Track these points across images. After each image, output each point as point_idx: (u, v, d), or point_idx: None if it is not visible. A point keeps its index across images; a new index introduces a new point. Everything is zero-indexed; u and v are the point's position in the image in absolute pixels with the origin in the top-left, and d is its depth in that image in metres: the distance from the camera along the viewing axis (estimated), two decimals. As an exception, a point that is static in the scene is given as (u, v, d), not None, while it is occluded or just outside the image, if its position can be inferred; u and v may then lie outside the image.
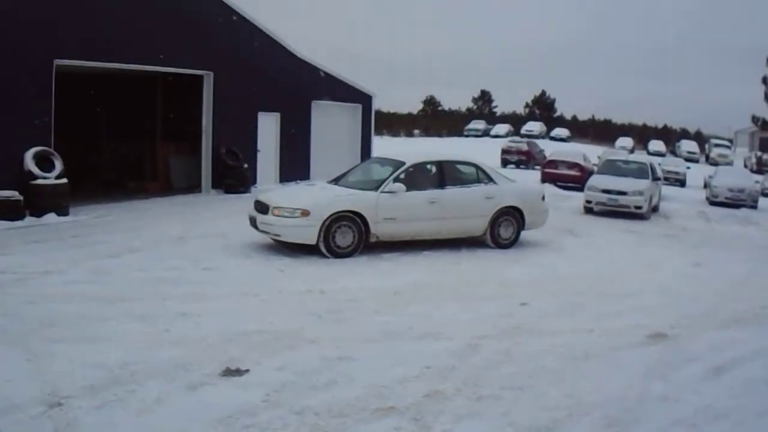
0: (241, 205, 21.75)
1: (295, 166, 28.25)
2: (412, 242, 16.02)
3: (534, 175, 37.85)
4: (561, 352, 9.46)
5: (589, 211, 25.63)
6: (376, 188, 15.78)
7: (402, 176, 16.07)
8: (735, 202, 35.14)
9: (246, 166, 25.08)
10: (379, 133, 62.63)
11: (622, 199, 24.99)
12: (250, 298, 11.32)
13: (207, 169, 24.59)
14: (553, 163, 37.73)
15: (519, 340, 9.88)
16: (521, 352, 9.33)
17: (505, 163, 48.42)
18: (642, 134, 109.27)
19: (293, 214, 14.83)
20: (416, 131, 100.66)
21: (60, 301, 10.56)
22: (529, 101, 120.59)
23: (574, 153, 41.67)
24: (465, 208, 16.64)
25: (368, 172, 17.50)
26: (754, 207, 35.10)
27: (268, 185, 26.02)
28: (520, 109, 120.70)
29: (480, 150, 46.59)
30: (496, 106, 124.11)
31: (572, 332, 10.45)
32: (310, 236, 14.85)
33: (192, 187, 24.64)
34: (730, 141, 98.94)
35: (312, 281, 12.51)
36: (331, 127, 31.00)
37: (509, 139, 65.50)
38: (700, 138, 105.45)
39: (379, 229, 15.48)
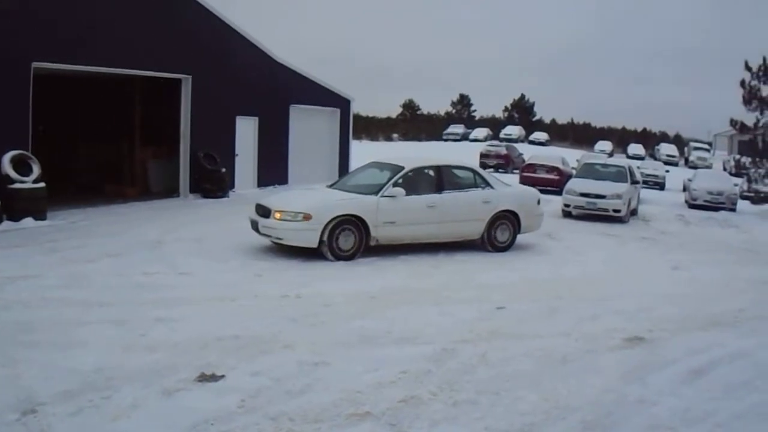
0: (220, 209, 21.87)
1: (273, 170, 28.32)
2: (389, 247, 16.07)
3: (513, 179, 38.03)
4: (538, 356, 9.46)
5: (567, 214, 25.73)
6: (376, 192, 16.02)
7: (401, 181, 16.34)
8: (714, 205, 35.31)
9: (224, 170, 25.08)
10: (357, 137, 62.68)
11: (600, 203, 25.07)
12: (227, 302, 11.27)
13: (185, 173, 24.55)
14: (532, 167, 37.82)
15: (496, 344, 9.86)
16: (498, 357, 9.31)
17: (483, 167, 47.87)
18: (621, 138, 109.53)
19: (295, 217, 15.07)
20: (395, 135, 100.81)
21: (36, 306, 10.53)
22: (508, 105, 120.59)
23: (552, 157, 41.72)
24: (463, 212, 16.93)
25: (367, 176, 17.60)
26: (733, 210, 35.27)
27: (246, 189, 26.12)
28: (499, 113, 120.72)
29: (459, 154, 46.59)
30: (475, 110, 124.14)
31: (550, 336, 10.46)
32: (311, 240, 15.09)
33: (170, 191, 24.59)
34: (710, 144, 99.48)
35: (289, 286, 12.49)
36: (310, 131, 31.10)
37: (488, 143, 65.84)
38: (679, 141, 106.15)
39: (379, 233, 15.77)
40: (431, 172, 17.26)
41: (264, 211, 15.58)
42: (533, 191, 19.22)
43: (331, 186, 17.66)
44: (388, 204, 15.86)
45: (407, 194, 16.14)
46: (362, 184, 16.89)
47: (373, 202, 15.81)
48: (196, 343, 9.10)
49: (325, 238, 15.08)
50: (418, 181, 16.82)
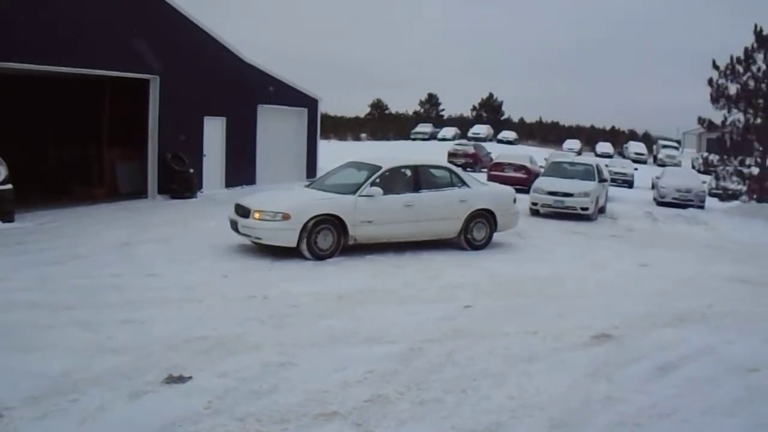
0: (188, 210, 21.80)
1: (241, 170, 28.33)
2: (356, 247, 16.11)
3: (481, 178, 38.15)
4: (504, 355, 9.49)
5: (535, 213, 25.88)
6: (354, 192, 16.22)
7: (378, 180, 16.54)
8: (682, 202, 35.61)
9: (192, 170, 25.01)
10: (326, 137, 62.66)
11: (568, 201, 25.20)
12: (194, 304, 11.25)
13: (153, 174, 24.45)
14: (500, 166, 37.87)
15: (462, 343, 9.90)
16: (465, 355, 9.36)
17: (451, 167, 48.44)
18: (590, 136, 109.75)
19: (274, 217, 15.25)
20: (363, 135, 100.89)
21: (2, 309, 10.46)
22: (476, 104, 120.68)
23: (520, 155, 41.88)
24: (439, 211, 17.17)
25: (345, 176, 17.73)
26: (701, 207, 35.54)
27: (214, 190, 26.07)
28: (468, 112, 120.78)
29: (427, 153, 46.72)
30: (443, 110, 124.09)
31: (516, 334, 10.50)
32: (290, 239, 15.26)
33: (139, 192, 24.50)
34: (678, 142, 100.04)
35: (256, 287, 12.48)
36: (277, 131, 31.14)
37: (456, 142, 65.87)
38: (648, 139, 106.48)
39: (357, 232, 15.96)
40: (408, 172, 17.48)
41: (243, 211, 15.72)
42: (509, 190, 19.41)
43: (309, 186, 17.92)
44: (366, 203, 16.06)
45: (385, 194, 16.33)
46: (340, 184, 17.07)
47: (350, 201, 16.00)
48: (163, 344, 9.09)
49: (303, 237, 15.24)
50: (395, 181, 17.03)
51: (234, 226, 15.88)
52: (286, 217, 15.21)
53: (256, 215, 15.37)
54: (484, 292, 13.27)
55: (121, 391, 7.50)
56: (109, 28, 21.94)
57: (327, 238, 15.55)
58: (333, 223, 15.63)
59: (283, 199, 16.44)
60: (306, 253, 15.32)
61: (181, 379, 7.92)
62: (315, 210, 15.51)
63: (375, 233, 16.34)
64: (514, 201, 18.91)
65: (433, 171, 18.26)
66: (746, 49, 36.07)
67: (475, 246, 17.70)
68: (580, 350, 9.99)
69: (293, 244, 15.28)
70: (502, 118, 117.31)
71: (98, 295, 11.48)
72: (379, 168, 16.94)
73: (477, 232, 17.79)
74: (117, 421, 6.89)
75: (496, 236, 18.31)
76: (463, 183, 17.93)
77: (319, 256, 15.41)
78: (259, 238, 15.54)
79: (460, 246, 17.64)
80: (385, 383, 8.14)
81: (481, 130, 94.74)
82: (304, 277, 13.71)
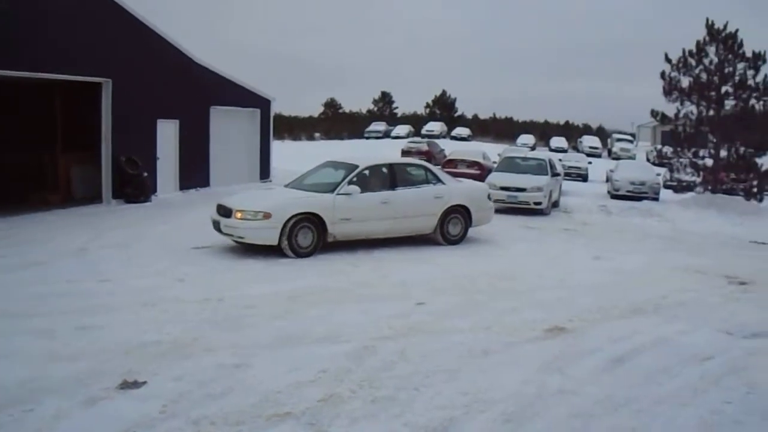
0: (143, 214, 21.71)
1: (194, 172, 28.20)
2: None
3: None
4: (458, 351, 9.59)
5: (488, 208, 25.95)
6: (332, 191, 16.72)
7: (355, 179, 17.08)
8: (636, 194, 35.96)
9: (146, 174, 24.84)
10: (280, 137, 62.56)
11: (521, 196, 25.40)
12: (149, 308, 11.22)
13: (107, 178, 24.19)
14: (452, 162, 37.86)
15: (415, 340, 9.99)
16: (418, 352, 9.43)
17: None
18: (544, 131, 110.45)
19: (255, 216, 15.70)
20: (317, 134, 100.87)
21: (-44, 319, 10.36)
22: (430, 101, 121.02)
23: (473, 151, 42.12)
24: (415, 207, 17.76)
25: (323, 175, 18.23)
26: (655, 199, 35.92)
27: (168, 194, 25.96)
28: (421, 110, 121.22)
29: (381, 151, 46.74)
30: (396, 108, 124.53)
31: (470, 330, 10.59)
32: (271, 237, 15.72)
33: (94, 197, 24.24)
34: (633, 135, 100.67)
35: (211, 290, 12.50)
36: (230, 132, 31.11)
37: (409, 140, 66.33)
38: (602, 133, 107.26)
39: (336, 230, 16.46)
40: (384, 170, 18.06)
41: (225, 212, 16.16)
42: (483, 186, 20.40)
43: (288, 185, 18.16)
44: (344, 201, 16.54)
45: (362, 192, 16.84)
46: (318, 183, 17.59)
47: (329, 199, 16.48)
48: (119, 350, 9.09)
49: (285, 235, 15.70)
50: (372, 179, 17.60)
51: (216, 226, 16.32)
52: (267, 216, 15.65)
53: (238, 215, 15.80)
54: (438, 288, 13.36)
55: (76, 398, 7.50)
56: (59, 32, 21.69)
57: (307, 236, 16.01)
58: (312, 221, 16.09)
59: (264, 198, 16.87)
60: (287, 251, 15.76)
61: (136, 384, 7.93)
62: (295, 209, 15.97)
63: (353, 230, 16.83)
64: (489, 197, 19.70)
65: (409, 169, 18.97)
66: (698, 43, 36.43)
67: (450, 241, 18.28)
68: (534, 344, 10.08)
69: (275, 242, 15.72)
70: (456, 114, 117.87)
71: (54, 302, 11.40)
72: (356, 167, 17.45)
73: (452, 227, 18.41)
74: (72, 429, 6.89)
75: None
76: (438, 180, 18.56)
77: (300, 253, 15.85)
78: (241, 237, 15.94)
79: (437, 241, 18.23)
80: (338, 382, 8.20)
81: (435, 127, 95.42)
82: (260, 279, 13.74)
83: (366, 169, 17.63)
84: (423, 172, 18.73)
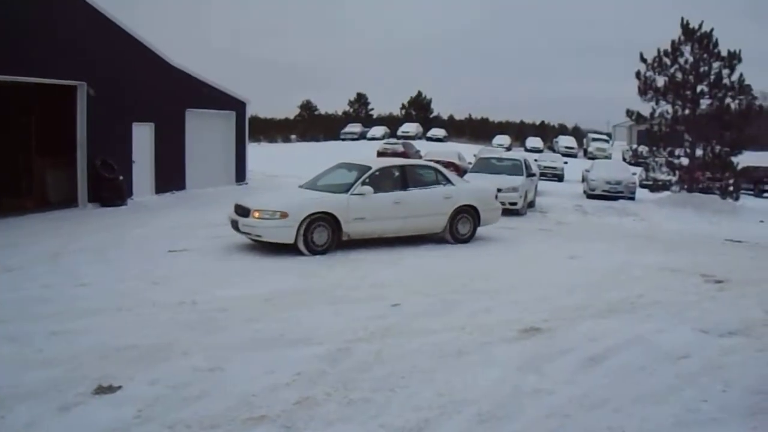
0: (118, 218, 21.64)
1: (170, 175, 28.24)
2: (285, 249, 16.33)
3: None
4: (433, 351, 9.57)
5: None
6: (347, 191, 17.44)
7: (368, 180, 17.75)
8: (612, 194, 36.21)
9: (122, 178, 24.79)
10: (256, 139, 62.47)
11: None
12: (124, 312, 11.17)
13: (83, 182, 24.21)
14: (427, 163, 38.00)
15: (390, 341, 9.98)
16: (392, 354, 9.42)
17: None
18: (520, 131, 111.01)
19: (273, 216, 16.36)
20: (293, 136, 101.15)
21: (-72, 326, 10.28)
22: (405, 103, 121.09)
23: (448, 152, 42.42)
24: (426, 207, 18.44)
25: (337, 176, 18.89)
26: (631, 198, 36.17)
27: (144, 197, 25.91)
28: (397, 111, 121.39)
29: (356, 153, 46.70)
30: (372, 109, 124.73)
31: (444, 331, 10.57)
32: (288, 236, 16.37)
33: (70, 201, 24.19)
34: (609, 135, 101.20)
35: (186, 293, 12.43)
36: (206, 135, 31.07)
37: (385, 141, 66.41)
38: (578, 133, 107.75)
39: (350, 228, 17.14)
40: (396, 171, 18.71)
41: (243, 211, 16.76)
42: (491, 188, 20.86)
43: (302, 186, 18.89)
44: (358, 201, 17.24)
45: (375, 192, 17.53)
46: (332, 184, 18.22)
47: (344, 199, 17.19)
48: (93, 355, 9.03)
49: (300, 234, 16.35)
50: (384, 180, 18.21)
51: (235, 225, 16.94)
52: (284, 215, 16.30)
53: (256, 214, 16.44)
54: (413, 289, 13.36)
55: (50, 404, 7.43)
56: (34, 34, 21.63)
57: (322, 235, 16.68)
58: (327, 220, 16.74)
59: (281, 198, 17.64)
60: (303, 248, 16.42)
61: (111, 389, 7.88)
62: (311, 208, 16.65)
63: (367, 229, 17.50)
64: (496, 197, 20.41)
65: (420, 170, 19.68)
66: (673, 42, 36.69)
67: (460, 240, 18.97)
68: (509, 344, 10.06)
69: (291, 240, 16.35)
70: (432, 116, 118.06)
71: (28, 308, 11.33)
72: (369, 168, 18.21)
73: (461, 226, 19.12)
74: (46, 435, 6.84)
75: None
76: (448, 181, 19.26)
77: (315, 251, 16.51)
78: (259, 236, 16.55)
79: (446, 240, 18.88)
80: (313, 385, 8.18)
81: (411, 128, 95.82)
82: (234, 282, 13.69)
83: (378, 170, 18.28)
84: (433, 174, 19.40)
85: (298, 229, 16.30)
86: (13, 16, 21.01)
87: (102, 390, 7.87)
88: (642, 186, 39.59)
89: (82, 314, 11.00)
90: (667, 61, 36.82)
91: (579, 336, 10.52)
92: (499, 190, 25.17)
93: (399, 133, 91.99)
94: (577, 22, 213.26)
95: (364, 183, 17.56)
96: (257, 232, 16.49)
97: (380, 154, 51.15)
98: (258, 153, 40.41)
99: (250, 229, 16.54)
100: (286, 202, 16.96)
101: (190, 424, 7.07)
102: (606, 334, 10.64)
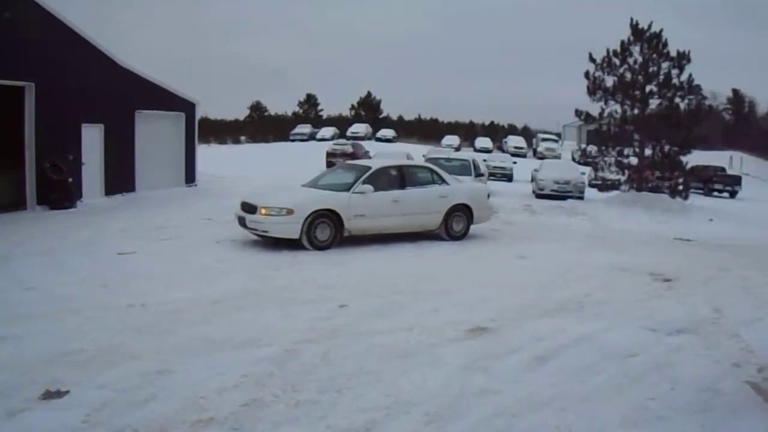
0: (67, 220, 21.43)
1: (120, 177, 28.00)
2: (235, 252, 16.59)
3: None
4: (380, 353, 9.62)
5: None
6: (348, 189, 18.43)
7: (368, 179, 18.72)
8: (561, 193, 36.43)
9: (71, 179, 24.57)
10: (206, 140, 62.24)
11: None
12: (73, 316, 11.07)
13: (31, 184, 23.90)
14: (376, 164, 38.08)
15: (338, 342, 10.02)
16: (340, 355, 9.46)
17: (330, 165, 48.63)
18: (469, 132, 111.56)
19: (279, 212, 17.26)
20: (243, 138, 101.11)
21: None
22: (355, 103, 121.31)
23: (397, 153, 42.56)
24: (423, 205, 19.50)
25: (338, 176, 20.06)
26: (580, 198, 36.41)
27: (93, 199, 25.68)
28: (346, 112, 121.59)
29: (306, 153, 46.71)
30: (322, 110, 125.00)
31: (391, 332, 10.62)
32: (293, 232, 17.34)
33: (17, 203, 23.90)
34: (558, 135, 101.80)
35: (134, 295, 12.39)
36: (155, 136, 30.90)
37: (334, 141, 66.39)
38: (527, 133, 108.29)
39: (351, 225, 18.14)
40: (394, 171, 19.84)
41: (250, 208, 17.69)
42: (484, 187, 22.63)
43: (305, 185, 19.82)
44: (359, 199, 18.25)
45: (375, 191, 18.51)
46: (334, 183, 19.31)
47: (345, 197, 18.19)
48: (41, 359, 8.95)
49: (305, 230, 17.31)
50: (383, 179, 19.23)
51: (242, 221, 17.89)
52: (289, 212, 17.24)
53: (263, 211, 17.35)
54: (360, 290, 13.42)
55: (-4, 411, 7.37)
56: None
57: (325, 231, 17.69)
58: (330, 217, 17.72)
59: (286, 196, 18.40)
60: (307, 244, 17.42)
61: (58, 394, 7.84)
62: (315, 205, 17.64)
63: (367, 226, 18.49)
64: (488, 197, 21.61)
65: (417, 170, 20.85)
66: (623, 42, 36.97)
67: (454, 237, 20.04)
68: (456, 344, 10.13)
69: (296, 236, 17.33)
70: (381, 116, 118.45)
71: (-26, 312, 11.19)
72: (369, 168, 19.29)
73: (456, 224, 20.22)
74: (-8, 442, 6.79)
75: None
76: (443, 181, 20.29)
77: (318, 246, 17.51)
78: (266, 231, 17.42)
79: (441, 237, 19.88)
80: (261, 386, 8.21)
81: (360, 128, 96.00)
82: (182, 284, 13.64)
83: (378, 170, 19.29)
84: (429, 174, 20.46)
85: (303, 225, 17.20)
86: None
87: (49, 395, 7.82)
88: (591, 185, 39.89)
89: (30, 318, 10.90)
90: (617, 61, 37.10)
91: (526, 335, 10.60)
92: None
93: (348, 133, 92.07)
94: (528, 24, 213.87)
95: (364, 182, 18.48)
96: (264, 228, 17.31)
97: (330, 155, 51.25)
98: (208, 154, 40.21)
99: (257, 225, 17.40)
100: (291, 199, 17.77)
101: (137, 428, 7.07)
102: (553, 333, 10.74)
